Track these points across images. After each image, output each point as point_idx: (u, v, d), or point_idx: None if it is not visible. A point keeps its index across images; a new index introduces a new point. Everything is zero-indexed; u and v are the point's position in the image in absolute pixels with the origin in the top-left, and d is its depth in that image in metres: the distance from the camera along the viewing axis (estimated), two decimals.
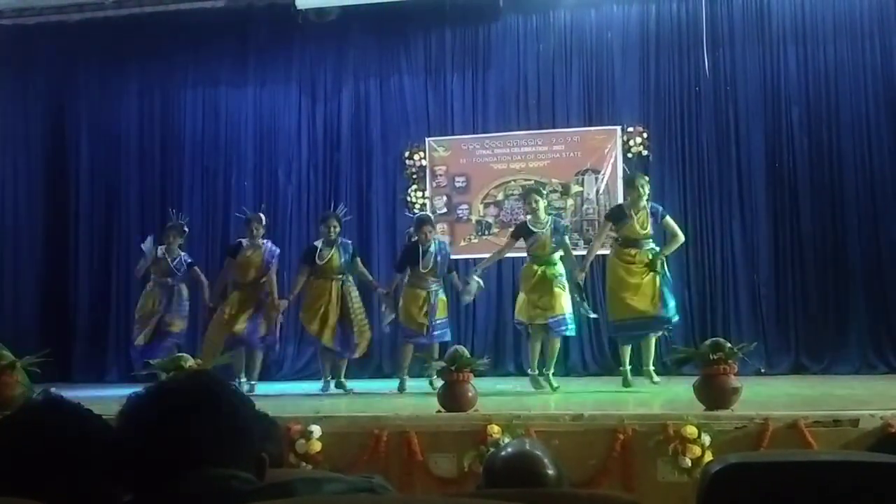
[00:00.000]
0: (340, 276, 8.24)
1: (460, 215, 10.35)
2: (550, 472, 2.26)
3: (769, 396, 6.62)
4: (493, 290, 10.00)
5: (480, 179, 10.36)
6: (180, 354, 7.08)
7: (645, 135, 9.97)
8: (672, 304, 7.51)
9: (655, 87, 10.03)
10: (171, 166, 11.00)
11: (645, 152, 9.96)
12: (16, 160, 11.25)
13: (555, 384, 7.59)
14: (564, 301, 7.57)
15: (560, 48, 10.28)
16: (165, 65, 10.94)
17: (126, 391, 1.66)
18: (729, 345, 5.94)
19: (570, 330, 7.68)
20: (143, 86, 11.09)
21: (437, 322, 8.06)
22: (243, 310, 8.33)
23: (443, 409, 5.95)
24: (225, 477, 1.48)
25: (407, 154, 10.46)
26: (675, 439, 5.18)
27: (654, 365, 7.61)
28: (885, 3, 9.51)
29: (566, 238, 7.96)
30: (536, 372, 7.64)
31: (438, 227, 9.66)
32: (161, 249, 8.82)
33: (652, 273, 7.42)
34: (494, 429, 5.40)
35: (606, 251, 8.20)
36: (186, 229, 9.11)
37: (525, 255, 7.98)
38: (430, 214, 8.95)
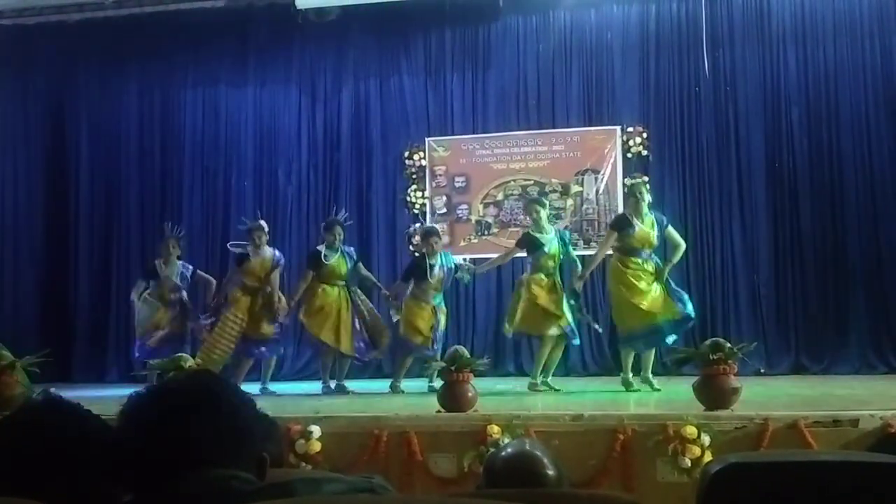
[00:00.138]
0: (345, 282, 8.26)
1: (460, 215, 10.35)
2: (550, 472, 2.26)
3: (769, 396, 6.62)
4: (493, 290, 10.01)
5: (480, 179, 10.36)
6: (180, 354, 7.07)
7: (645, 135, 9.97)
8: (688, 300, 7.55)
9: (655, 87, 10.03)
10: (171, 166, 11.00)
11: (645, 152, 9.97)
12: (16, 160, 11.25)
13: (556, 387, 7.60)
14: (569, 309, 7.65)
15: (560, 48, 10.28)
16: (165, 65, 10.95)
17: (126, 391, 1.67)
18: (729, 345, 5.94)
19: (577, 338, 7.85)
20: (143, 86, 11.09)
21: (440, 334, 8.09)
22: (260, 316, 8.34)
23: (442, 410, 5.95)
24: (225, 477, 1.48)
25: (407, 154, 10.46)
26: (675, 439, 5.18)
27: (651, 370, 7.64)
28: (885, 3, 9.52)
29: (570, 248, 7.99)
30: (538, 380, 7.64)
31: (438, 227, 9.66)
32: (160, 264, 8.71)
33: (657, 282, 7.47)
34: (494, 429, 5.40)
35: (593, 252, 8.23)
36: (180, 241, 8.98)
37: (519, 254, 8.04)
38: (436, 226, 8.93)
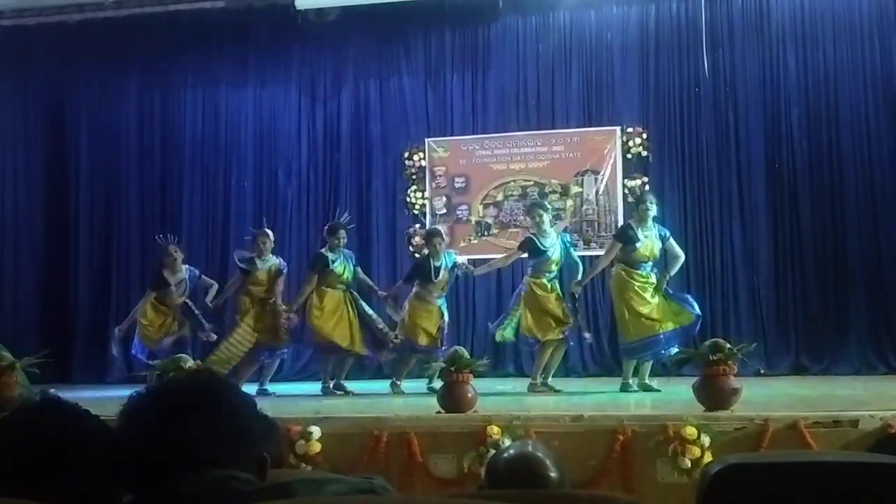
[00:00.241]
0: (346, 286, 8.27)
1: (460, 216, 10.35)
2: (553, 474, 2.26)
3: (769, 397, 6.62)
4: (493, 290, 10.01)
5: (480, 180, 10.37)
6: (180, 355, 7.07)
7: (644, 135, 9.97)
8: (692, 300, 7.60)
9: (655, 87, 10.03)
10: (171, 167, 11.00)
11: (644, 153, 9.97)
12: (16, 160, 11.25)
13: (556, 388, 7.61)
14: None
15: (559, 49, 10.28)
16: (165, 65, 10.95)
17: (126, 392, 1.66)
18: (728, 345, 5.94)
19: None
20: (142, 86, 11.09)
21: (444, 344, 8.10)
22: (270, 325, 8.35)
23: (442, 410, 5.95)
24: (225, 477, 1.48)
25: (406, 154, 10.46)
26: (675, 440, 5.18)
27: (651, 370, 7.66)
28: (885, 4, 9.52)
29: (572, 251, 8.01)
30: (538, 381, 7.65)
31: (438, 227, 9.68)
32: (167, 273, 8.65)
33: (657, 293, 7.50)
34: (494, 430, 5.40)
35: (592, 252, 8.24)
36: (180, 246, 8.96)
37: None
38: (440, 228, 8.92)
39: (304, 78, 10.83)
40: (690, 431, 5.18)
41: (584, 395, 7.48)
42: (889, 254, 9.32)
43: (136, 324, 8.68)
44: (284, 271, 8.58)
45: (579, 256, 8.41)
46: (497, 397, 7.09)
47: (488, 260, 9.00)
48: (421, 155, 10.43)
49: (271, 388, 8.40)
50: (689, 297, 7.69)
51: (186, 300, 8.70)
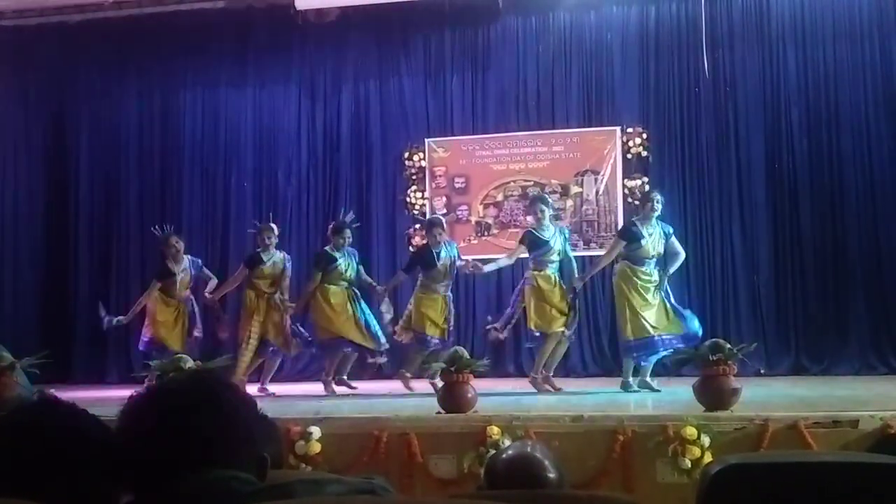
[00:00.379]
0: (348, 284, 8.28)
1: (460, 216, 10.34)
2: (552, 475, 2.26)
3: (769, 397, 6.62)
4: (493, 290, 10.00)
5: (480, 180, 10.37)
6: (180, 356, 7.06)
7: (644, 136, 9.97)
8: (693, 317, 7.57)
9: (655, 87, 10.03)
10: (170, 167, 11.00)
11: (644, 153, 9.97)
12: (16, 161, 11.26)
13: (557, 386, 7.62)
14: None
15: (559, 49, 10.28)
16: (165, 65, 10.94)
17: (126, 392, 1.67)
18: (728, 346, 5.94)
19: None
20: (142, 86, 11.09)
21: (451, 336, 8.09)
22: (276, 318, 8.36)
23: (442, 411, 5.95)
24: (225, 478, 1.48)
25: (406, 155, 10.46)
26: (675, 440, 5.18)
27: (651, 371, 7.65)
28: (885, 5, 9.52)
29: (568, 247, 8.02)
30: (539, 375, 7.65)
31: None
32: (170, 263, 8.63)
33: (658, 291, 7.50)
34: (494, 430, 5.40)
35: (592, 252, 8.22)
36: (180, 236, 8.95)
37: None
38: (441, 217, 8.91)
39: (304, 78, 10.83)
40: (690, 432, 5.18)
41: (584, 396, 7.48)
42: (889, 254, 9.33)
43: (146, 317, 8.64)
44: (289, 265, 8.58)
45: (578, 257, 8.42)
46: (497, 397, 7.08)
47: (490, 260, 8.98)
48: (421, 155, 10.43)
49: (271, 388, 8.40)
50: (689, 313, 7.64)
51: (191, 297, 8.70)
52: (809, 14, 9.76)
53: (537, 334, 7.72)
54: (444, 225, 8.53)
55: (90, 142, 11.10)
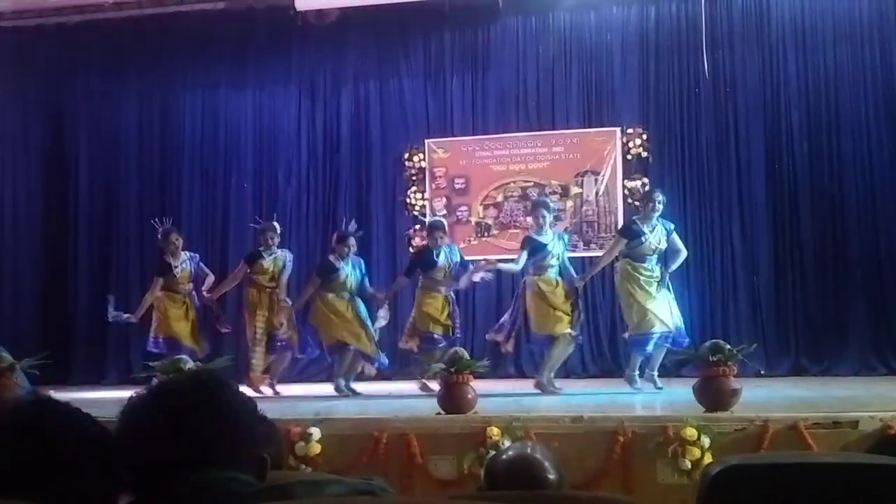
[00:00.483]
0: (351, 295, 8.23)
1: (460, 217, 10.35)
2: (552, 476, 2.26)
3: (769, 398, 6.62)
4: (493, 292, 9.99)
5: (480, 181, 10.37)
6: (179, 357, 7.06)
7: (644, 136, 9.97)
8: (684, 333, 7.59)
9: (655, 88, 10.03)
10: (170, 169, 11.00)
11: (644, 154, 9.97)
12: (15, 162, 11.25)
13: (557, 385, 7.63)
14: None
15: (559, 50, 10.28)
16: (165, 67, 10.94)
17: (126, 393, 1.66)
18: (728, 346, 5.94)
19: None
20: (142, 88, 11.08)
21: (457, 333, 8.07)
22: (277, 314, 8.37)
23: (442, 412, 5.95)
24: (225, 479, 1.47)
25: (406, 156, 10.46)
26: (675, 441, 5.18)
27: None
28: (885, 7, 9.53)
29: (566, 254, 8.00)
30: (545, 378, 7.65)
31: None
32: (169, 259, 8.62)
33: (663, 290, 7.52)
34: (494, 431, 5.40)
35: (592, 253, 8.20)
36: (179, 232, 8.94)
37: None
38: (443, 220, 8.86)
39: (304, 79, 10.83)
40: (690, 432, 5.18)
41: (583, 396, 7.48)
42: (889, 255, 9.33)
43: (152, 317, 8.60)
44: (290, 264, 8.56)
45: (578, 258, 8.43)
46: (497, 398, 7.08)
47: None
48: (421, 156, 10.43)
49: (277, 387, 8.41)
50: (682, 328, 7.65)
51: (194, 291, 8.70)
52: (809, 16, 9.76)
53: (542, 337, 7.71)
54: (446, 228, 8.51)
55: (90, 143, 11.10)
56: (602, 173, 10.06)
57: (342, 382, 8.13)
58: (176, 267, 8.58)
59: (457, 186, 10.42)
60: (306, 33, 10.39)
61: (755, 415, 5.40)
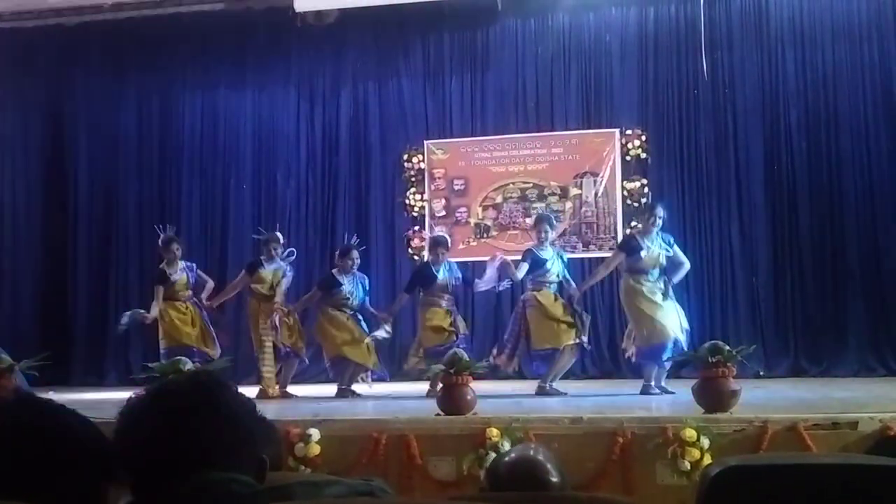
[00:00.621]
0: (353, 311, 8.22)
1: (459, 218, 10.35)
2: (554, 478, 2.26)
3: (768, 399, 6.62)
4: (492, 296, 9.97)
5: (479, 182, 10.37)
6: (179, 358, 7.04)
7: (643, 137, 9.98)
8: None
9: (654, 89, 10.04)
10: (169, 170, 11.01)
11: (643, 155, 9.98)
12: (14, 163, 11.26)
13: (561, 390, 7.63)
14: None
15: (558, 51, 10.29)
16: (164, 68, 10.96)
17: (125, 394, 1.66)
18: (728, 347, 5.93)
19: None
20: (141, 89, 11.09)
21: (462, 335, 8.05)
22: (290, 325, 8.36)
23: (442, 413, 5.95)
24: (224, 480, 1.47)
25: (405, 157, 10.47)
26: (675, 442, 5.18)
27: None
28: (883, 7, 9.54)
29: (566, 270, 7.97)
30: (548, 384, 7.64)
31: (437, 229, 9.67)
32: (166, 267, 8.61)
33: (668, 300, 7.50)
34: (493, 432, 5.39)
35: (591, 255, 8.18)
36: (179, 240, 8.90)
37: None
38: (446, 237, 8.84)
39: (303, 80, 10.84)
40: (690, 433, 5.17)
41: (583, 398, 7.47)
42: (888, 255, 9.34)
43: (159, 328, 8.54)
44: (290, 275, 8.54)
45: (577, 259, 8.43)
46: (496, 399, 7.07)
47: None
48: (420, 157, 10.43)
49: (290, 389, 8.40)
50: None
51: (196, 301, 8.70)
52: (808, 16, 9.77)
53: (550, 351, 7.68)
54: (448, 244, 8.47)
55: (89, 144, 11.11)
56: (601, 174, 10.06)
57: (344, 388, 8.12)
58: (172, 275, 8.57)
59: (456, 187, 10.42)
60: (305, 34, 10.39)
61: (754, 416, 5.39)
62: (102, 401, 7.28)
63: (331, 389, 8.20)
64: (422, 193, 10.42)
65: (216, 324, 8.84)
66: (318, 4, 10.12)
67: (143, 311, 8.64)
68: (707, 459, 4.95)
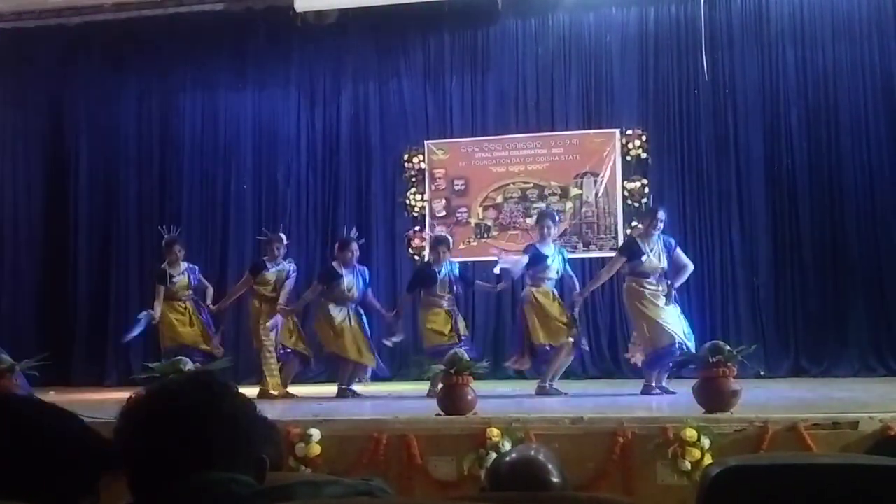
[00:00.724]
0: (354, 304, 8.21)
1: (459, 218, 10.35)
2: (555, 479, 2.26)
3: (768, 399, 6.62)
4: (493, 296, 9.98)
5: (479, 182, 10.37)
6: (179, 358, 7.03)
7: (644, 137, 9.98)
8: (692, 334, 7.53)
9: (654, 89, 10.04)
10: (169, 170, 11.00)
11: (644, 155, 9.97)
12: (15, 164, 11.26)
13: (562, 391, 7.62)
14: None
15: (559, 51, 10.29)
16: (164, 68, 10.95)
17: (125, 395, 1.66)
18: (728, 347, 5.93)
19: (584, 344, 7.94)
20: (141, 89, 11.09)
21: (464, 337, 8.04)
22: (291, 326, 8.37)
23: (442, 413, 5.95)
24: (224, 480, 1.48)
25: (406, 157, 10.47)
26: (675, 442, 5.18)
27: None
28: (884, 6, 9.53)
29: (568, 267, 8.00)
30: (548, 384, 7.64)
31: (438, 229, 9.67)
32: (167, 267, 8.60)
33: (671, 304, 7.48)
34: (494, 432, 5.39)
35: (592, 255, 8.18)
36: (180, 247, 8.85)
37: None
38: (448, 236, 8.84)
39: (304, 80, 10.84)
40: (690, 433, 5.17)
41: (583, 398, 7.47)
42: (888, 255, 9.33)
43: (159, 329, 8.55)
44: (294, 275, 8.54)
45: (578, 259, 8.42)
46: (496, 400, 7.07)
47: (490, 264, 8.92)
48: (420, 157, 10.43)
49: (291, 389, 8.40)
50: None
51: (196, 298, 8.69)
52: (808, 15, 9.76)
53: (548, 348, 7.69)
54: (450, 244, 8.47)
55: (90, 144, 11.10)
56: (601, 174, 10.06)
57: (344, 388, 8.12)
58: (174, 276, 8.58)
59: (456, 188, 10.42)
60: (306, 34, 10.39)
61: (755, 416, 5.39)
62: (102, 401, 7.29)
63: (331, 390, 8.20)
64: (422, 193, 10.42)
65: (216, 327, 8.83)
66: (318, 4, 10.12)
67: (151, 311, 8.59)
68: (707, 459, 4.95)
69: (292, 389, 8.36)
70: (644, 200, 9.74)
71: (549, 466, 2.29)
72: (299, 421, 5.73)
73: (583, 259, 9.68)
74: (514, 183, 10.30)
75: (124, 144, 11.05)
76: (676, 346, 7.34)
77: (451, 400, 6.01)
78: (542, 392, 7.59)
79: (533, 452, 2.42)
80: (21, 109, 11.24)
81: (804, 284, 9.51)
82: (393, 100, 10.65)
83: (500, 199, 10.34)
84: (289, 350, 8.37)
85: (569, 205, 10.13)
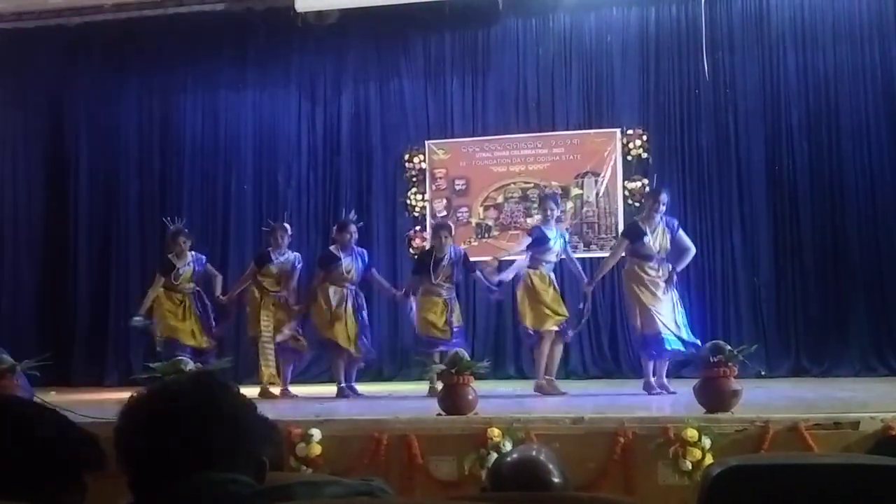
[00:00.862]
0: (354, 286, 8.21)
1: (460, 218, 10.34)
2: (557, 479, 2.26)
3: (769, 399, 6.62)
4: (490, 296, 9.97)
5: (480, 182, 10.37)
6: (180, 358, 7.02)
7: (644, 137, 9.97)
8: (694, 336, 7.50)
9: (655, 89, 10.04)
10: (170, 170, 11.00)
11: (644, 155, 9.97)
12: (15, 164, 11.26)
13: (561, 389, 7.62)
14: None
15: (559, 51, 10.29)
16: (165, 68, 10.95)
17: (126, 395, 1.66)
18: (729, 347, 5.93)
19: (570, 333, 7.90)
20: (142, 89, 11.09)
21: (457, 329, 8.05)
22: (286, 318, 8.36)
23: (443, 413, 5.95)
24: (224, 480, 1.47)
25: (406, 157, 10.47)
26: (676, 442, 5.17)
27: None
28: (885, 7, 9.53)
29: (570, 250, 8.00)
30: (545, 381, 7.64)
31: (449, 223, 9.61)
32: (173, 258, 8.61)
33: (669, 292, 7.46)
34: (495, 432, 5.39)
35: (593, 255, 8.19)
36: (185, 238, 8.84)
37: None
38: (450, 223, 8.80)
39: (304, 80, 10.84)
40: (691, 433, 5.17)
41: (584, 397, 7.47)
42: (889, 255, 9.33)
43: (155, 317, 8.57)
44: (299, 266, 8.53)
45: (579, 258, 8.41)
46: (498, 399, 7.07)
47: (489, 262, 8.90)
48: (421, 157, 10.44)
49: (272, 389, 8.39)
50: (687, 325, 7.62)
51: (199, 289, 8.68)
52: (809, 16, 9.76)
53: (531, 332, 7.71)
54: (452, 229, 8.48)
55: (90, 144, 11.11)
56: (602, 174, 10.06)
57: (343, 386, 8.12)
58: (179, 268, 8.58)
59: (457, 188, 10.42)
60: (306, 34, 10.39)
61: (756, 416, 5.39)
62: (103, 401, 7.29)
63: (332, 390, 8.20)
64: (423, 193, 10.42)
65: (225, 318, 8.82)
66: (318, 4, 10.11)
67: (140, 316, 8.62)
68: (708, 459, 4.95)
69: (293, 389, 8.36)
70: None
71: (550, 466, 2.29)
72: (300, 421, 5.72)
73: (584, 259, 9.66)
74: (514, 183, 10.30)
75: (125, 145, 11.05)
76: (662, 336, 7.33)
77: (452, 400, 6.01)
78: (539, 389, 7.58)
79: (534, 452, 2.43)
80: (21, 109, 11.24)
81: (805, 284, 9.51)
82: (394, 100, 10.65)
83: (500, 199, 10.34)
84: (287, 345, 8.37)
85: (569, 205, 10.12)
